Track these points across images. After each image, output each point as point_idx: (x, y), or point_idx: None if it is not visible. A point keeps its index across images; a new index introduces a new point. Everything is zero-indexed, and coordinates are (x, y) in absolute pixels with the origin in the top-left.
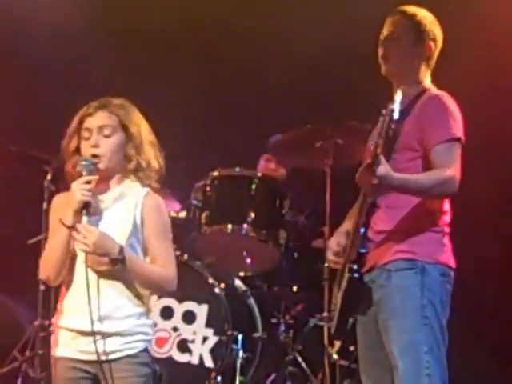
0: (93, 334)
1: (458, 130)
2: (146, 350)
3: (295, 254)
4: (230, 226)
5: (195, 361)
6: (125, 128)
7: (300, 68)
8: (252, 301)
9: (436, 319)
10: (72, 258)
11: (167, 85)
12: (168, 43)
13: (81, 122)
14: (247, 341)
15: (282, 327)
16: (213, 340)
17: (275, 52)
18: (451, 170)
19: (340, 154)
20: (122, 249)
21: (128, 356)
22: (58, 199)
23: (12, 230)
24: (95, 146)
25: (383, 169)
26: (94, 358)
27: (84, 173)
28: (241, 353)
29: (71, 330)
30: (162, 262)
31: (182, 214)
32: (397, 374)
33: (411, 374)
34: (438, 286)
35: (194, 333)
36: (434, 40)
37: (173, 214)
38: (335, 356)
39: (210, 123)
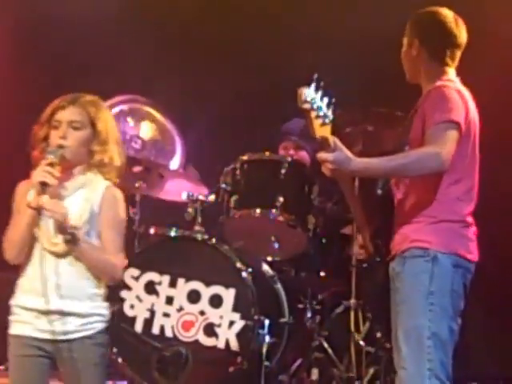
0: (51, 313)
1: (455, 114)
2: (102, 331)
3: (323, 240)
4: (258, 211)
5: (221, 345)
6: (93, 124)
7: (329, 53)
8: (279, 286)
9: (442, 307)
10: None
11: (195, 71)
12: (195, 29)
13: (52, 113)
14: (274, 326)
15: (309, 313)
16: (239, 324)
17: (303, 37)
18: (434, 146)
19: (369, 141)
20: (74, 228)
21: (85, 337)
22: (23, 185)
23: None
24: (63, 137)
25: (337, 155)
26: (50, 336)
27: (48, 157)
28: (267, 338)
29: (28, 309)
30: (111, 251)
31: (211, 198)
32: (399, 358)
33: (413, 358)
34: (449, 276)
35: (221, 317)
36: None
37: (201, 197)
38: (361, 342)
39: (238, 108)
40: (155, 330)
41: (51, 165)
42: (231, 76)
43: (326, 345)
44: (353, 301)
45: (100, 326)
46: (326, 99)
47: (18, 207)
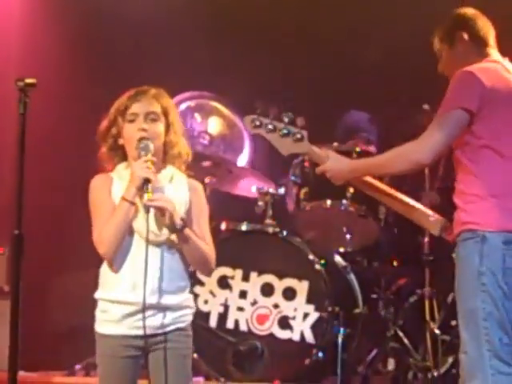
0: (148, 307)
1: (457, 100)
2: (191, 323)
3: (395, 229)
4: (329, 202)
5: (296, 337)
6: (166, 116)
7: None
8: (352, 276)
9: (495, 286)
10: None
11: (260, 64)
12: (260, 21)
13: (126, 107)
14: (348, 317)
15: (383, 303)
16: (313, 316)
17: (364, 32)
18: (416, 142)
19: None
20: (183, 217)
21: (178, 329)
22: (98, 180)
23: None
24: (143, 129)
25: (328, 165)
26: (144, 332)
27: (142, 153)
28: (342, 329)
29: (123, 304)
30: (207, 241)
31: (281, 191)
32: (461, 343)
33: (471, 341)
34: (499, 254)
35: (295, 309)
36: (463, 24)
37: (271, 190)
38: (437, 331)
39: (302, 100)
40: (230, 325)
41: (148, 161)
42: (297, 68)
43: (401, 334)
44: (427, 289)
45: (190, 318)
46: (286, 119)
47: (100, 201)
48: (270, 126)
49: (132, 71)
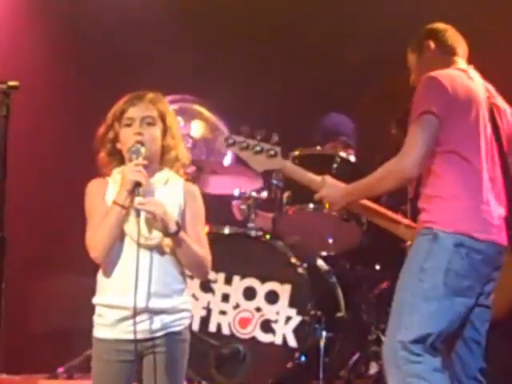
0: (141, 312)
1: (424, 104)
2: (188, 327)
3: (377, 233)
4: (311, 206)
5: (279, 341)
6: (163, 120)
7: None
8: (335, 280)
9: (433, 285)
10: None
11: (244, 67)
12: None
13: (122, 111)
14: (330, 320)
15: (365, 306)
16: (296, 320)
17: (350, 29)
18: (399, 158)
19: None
20: (177, 221)
21: (172, 333)
22: (94, 184)
23: None
24: (139, 133)
25: (325, 191)
26: (138, 336)
27: (133, 157)
28: (324, 333)
29: (116, 308)
30: (202, 244)
31: (263, 195)
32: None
33: (392, 329)
34: (446, 255)
35: (277, 313)
36: (431, 35)
37: (254, 194)
38: None
39: (288, 103)
40: (212, 328)
41: (139, 164)
42: (279, 71)
43: (383, 338)
44: None
45: (187, 321)
46: (258, 136)
47: (94, 205)
48: (243, 144)
49: (116, 73)
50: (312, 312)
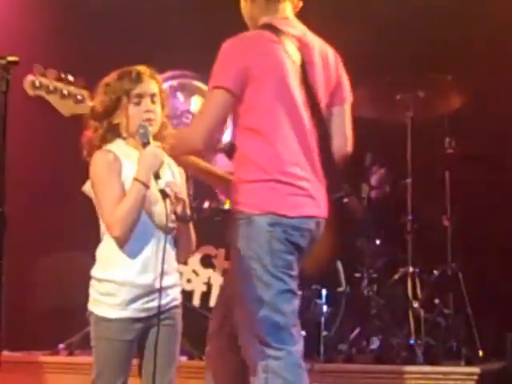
0: (155, 290)
1: (219, 77)
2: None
3: (377, 208)
4: None
5: None
6: (161, 96)
7: (378, 20)
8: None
9: (263, 270)
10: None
11: None
12: None
13: (130, 87)
14: (331, 295)
15: (366, 281)
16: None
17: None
18: (190, 129)
19: (420, 107)
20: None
21: (175, 307)
22: (108, 155)
23: None
24: (152, 111)
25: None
26: (148, 314)
27: (144, 140)
28: (325, 307)
29: (134, 286)
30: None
31: None
32: None
33: (243, 327)
34: (265, 237)
35: None
36: None
37: None
38: (419, 309)
39: None
40: (213, 303)
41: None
42: None
43: (384, 313)
44: (410, 267)
45: (181, 296)
46: (66, 80)
47: (111, 180)
48: (50, 88)
49: (117, 50)
50: (313, 287)
